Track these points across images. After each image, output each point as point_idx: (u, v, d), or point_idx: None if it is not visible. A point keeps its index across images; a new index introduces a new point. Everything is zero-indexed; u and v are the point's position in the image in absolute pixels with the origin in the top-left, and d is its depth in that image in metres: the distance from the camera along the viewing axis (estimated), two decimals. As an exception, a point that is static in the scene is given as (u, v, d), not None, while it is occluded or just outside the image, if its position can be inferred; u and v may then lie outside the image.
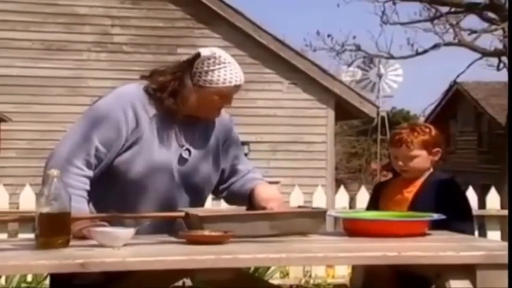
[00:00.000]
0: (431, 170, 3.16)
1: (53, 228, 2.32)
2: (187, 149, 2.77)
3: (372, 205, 3.23)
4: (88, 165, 2.66)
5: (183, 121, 2.77)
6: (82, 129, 2.69)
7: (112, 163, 2.69)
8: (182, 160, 2.76)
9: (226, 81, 2.75)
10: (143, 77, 2.81)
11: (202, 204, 2.89)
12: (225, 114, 2.93)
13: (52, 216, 2.32)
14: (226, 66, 2.76)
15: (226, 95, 2.77)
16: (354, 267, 3.23)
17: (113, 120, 2.67)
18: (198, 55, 2.75)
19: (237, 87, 2.79)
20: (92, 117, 2.70)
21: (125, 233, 2.38)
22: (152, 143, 2.71)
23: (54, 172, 2.36)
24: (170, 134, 2.75)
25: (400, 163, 3.12)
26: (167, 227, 2.70)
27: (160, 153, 2.72)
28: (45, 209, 2.32)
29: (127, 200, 2.68)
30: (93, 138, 2.66)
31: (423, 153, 3.11)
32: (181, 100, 2.72)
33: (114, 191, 2.70)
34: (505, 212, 6.45)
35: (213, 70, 2.73)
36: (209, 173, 2.86)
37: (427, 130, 3.15)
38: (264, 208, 2.75)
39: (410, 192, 3.11)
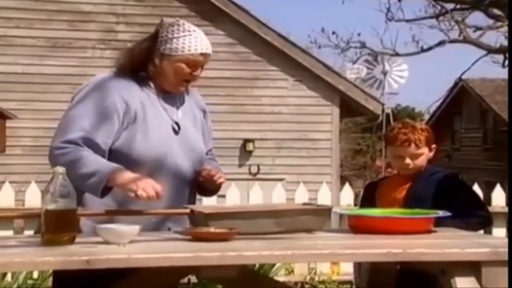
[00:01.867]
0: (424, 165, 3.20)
1: (59, 225, 2.33)
2: (176, 122, 2.80)
3: (369, 203, 3.23)
4: (84, 144, 2.66)
5: (164, 95, 2.79)
6: (71, 121, 2.68)
7: (113, 148, 2.70)
8: (175, 131, 2.79)
9: (192, 48, 2.74)
10: (118, 59, 2.83)
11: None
12: (195, 90, 2.95)
13: (58, 213, 2.32)
14: (191, 34, 2.75)
15: (193, 64, 2.76)
16: (355, 265, 3.22)
17: (104, 108, 2.68)
18: (162, 23, 2.77)
19: (203, 56, 2.77)
20: (78, 108, 2.70)
21: (131, 229, 2.38)
22: (146, 120, 2.73)
23: (59, 169, 2.36)
24: (159, 108, 2.77)
25: (408, 161, 3.12)
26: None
27: (155, 127, 2.73)
28: (51, 206, 2.32)
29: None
30: (83, 124, 2.66)
31: (427, 150, 3.16)
32: (152, 69, 2.75)
33: None
34: (511, 209, 6.44)
35: (177, 37, 2.74)
36: (199, 139, 2.89)
37: (424, 127, 3.20)
38: (202, 174, 2.79)
39: (404, 189, 3.13)
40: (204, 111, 2.98)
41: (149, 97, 2.77)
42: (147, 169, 2.69)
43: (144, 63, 2.78)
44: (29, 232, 5.39)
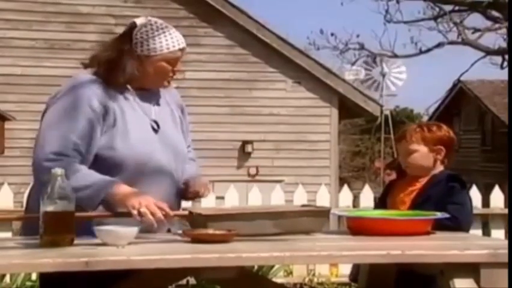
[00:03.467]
0: (441, 168, 3.10)
1: (58, 227, 2.33)
2: (155, 120, 2.77)
3: (380, 204, 3.22)
4: (75, 156, 2.63)
5: (140, 94, 2.76)
6: (55, 128, 2.64)
7: (95, 152, 2.66)
8: (154, 130, 2.76)
9: (170, 46, 2.72)
10: (85, 65, 2.79)
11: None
12: (171, 87, 2.91)
13: (56, 215, 2.32)
14: (165, 32, 2.73)
15: (173, 61, 2.75)
16: (354, 266, 3.21)
17: (82, 112, 2.64)
18: (134, 25, 2.74)
19: (181, 51, 2.76)
20: (59, 116, 2.66)
21: (129, 231, 2.38)
22: (126, 122, 2.70)
23: (58, 171, 2.37)
24: (136, 108, 2.75)
25: (401, 158, 3.11)
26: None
27: (135, 128, 2.70)
28: (50, 208, 2.33)
29: (128, 183, 2.64)
30: (69, 134, 2.62)
31: (423, 148, 3.05)
32: (122, 71, 2.69)
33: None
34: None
35: (153, 37, 2.71)
36: (179, 135, 2.86)
37: (434, 128, 3.09)
38: (193, 191, 2.77)
39: (412, 192, 3.09)
40: (182, 108, 2.94)
41: (126, 98, 2.74)
42: (131, 171, 2.67)
43: (119, 66, 2.72)
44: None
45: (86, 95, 2.67)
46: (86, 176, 2.60)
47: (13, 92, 11.53)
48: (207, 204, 5.91)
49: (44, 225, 2.33)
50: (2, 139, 11.54)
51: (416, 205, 2.99)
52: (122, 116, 2.70)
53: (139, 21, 2.75)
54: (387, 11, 18.39)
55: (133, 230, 2.38)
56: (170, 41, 2.72)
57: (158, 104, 2.82)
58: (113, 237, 2.35)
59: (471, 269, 2.35)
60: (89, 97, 2.67)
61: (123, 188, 2.59)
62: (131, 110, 2.73)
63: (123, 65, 2.70)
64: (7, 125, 11.52)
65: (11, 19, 11.72)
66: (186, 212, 2.67)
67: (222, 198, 6.36)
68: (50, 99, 2.74)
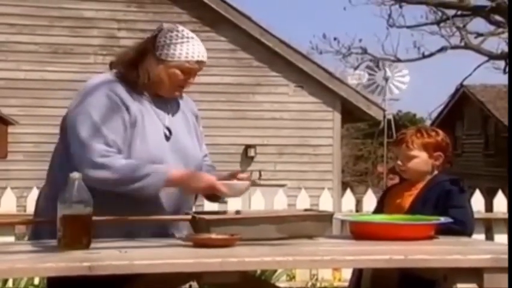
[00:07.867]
0: (435, 173, 3.13)
1: (75, 230, 2.35)
2: (167, 127, 2.79)
3: (378, 209, 3.23)
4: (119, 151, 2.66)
5: (155, 100, 2.78)
6: (89, 127, 2.65)
7: None
8: (166, 136, 2.77)
9: (189, 55, 2.74)
10: (111, 64, 2.82)
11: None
12: (186, 95, 2.94)
13: (74, 219, 2.34)
14: (189, 41, 2.75)
15: (188, 71, 2.76)
16: (354, 271, 3.21)
17: (117, 114, 2.67)
18: (161, 28, 2.76)
19: (199, 64, 2.77)
20: (90, 114, 2.66)
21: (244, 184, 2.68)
22: (144, 125, 2.72)
23: (76, 175, 2.39)
24: (152, 113, 2.76)
25: (399, 162, 3.11)
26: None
27: (151, 133, 2.72)
28: (67, 211, 2.34)
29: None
30: (104, 131, 2.64)
31: (423, 154, 3.07)
32: (143, 72, 2.73)
33: None
34: (512, 215, 6.42)
35: (175, 44, 2.73)
36: (193, 144, 2.87)
37: (433, 133, 3.12)
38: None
39: (410, 196, 3.10)
40: (196, 116, 2.97)
41: (143, 102, 2.76)
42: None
43: (138, 64, 2.75)
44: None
45: (113, 94, 2.69)
46: (140, 166, 2.63)
47: (16, 96, 11.55)
48: (210, 208, 5.91)
49: (63, 229, 2.35)
50: (5, 143, 11.56)
51: (414, 210, 2.99)
52: (142, 118, 2.73)
53: (166, 25, 2.77)
54: (390, 16, 18.42)
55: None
56: (190, 50, 2.74)
57: (173, 111, 2.84)
58: (234, 190, 2.64)
59: (474, 274, 2.34)
60: (115, 96, 2.69)
61: (177, 172, 2.66)
62: (148, 114, 2.75)
63: (142, 64, 2.73)
64: (10, 129, 11.54)
65: (15, 24, 11.75)
66: (189, 216, 2.67)
67: (225, 202, 6.34)
68: (73, 104, 2.75)
